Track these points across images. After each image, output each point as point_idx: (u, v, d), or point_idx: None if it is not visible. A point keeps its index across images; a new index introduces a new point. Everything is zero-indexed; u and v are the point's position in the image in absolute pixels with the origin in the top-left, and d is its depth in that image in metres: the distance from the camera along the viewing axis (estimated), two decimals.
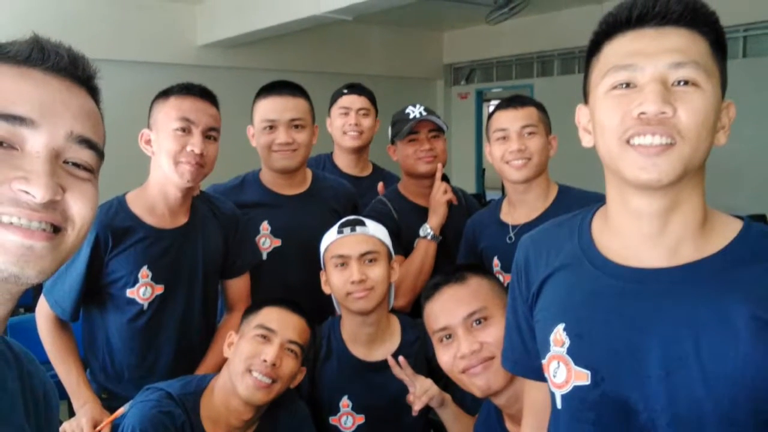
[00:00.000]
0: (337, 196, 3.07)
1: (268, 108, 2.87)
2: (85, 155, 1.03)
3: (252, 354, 2.17)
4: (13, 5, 6.95)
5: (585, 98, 1.44)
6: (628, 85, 1.28)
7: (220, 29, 8.16)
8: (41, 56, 1.01)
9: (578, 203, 1.74)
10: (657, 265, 1.33)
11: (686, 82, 1.23)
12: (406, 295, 2.82)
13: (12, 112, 0.95)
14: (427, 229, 2.89)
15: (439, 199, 2.94)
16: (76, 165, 1.02)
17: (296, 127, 2.86)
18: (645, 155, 1.23)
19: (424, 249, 2.88)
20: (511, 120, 2.58)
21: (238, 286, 2.76)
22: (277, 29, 7.59)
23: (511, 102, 2.64)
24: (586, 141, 1.44)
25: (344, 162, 3.60)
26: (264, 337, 2.21)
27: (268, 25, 7.41)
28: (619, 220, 1.39)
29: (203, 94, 2.46)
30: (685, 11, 1.26)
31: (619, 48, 1.31)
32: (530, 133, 2.56)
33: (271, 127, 2.85)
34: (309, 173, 3.07)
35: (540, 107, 2.65)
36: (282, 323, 2.24)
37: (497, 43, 10.52)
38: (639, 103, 1.24)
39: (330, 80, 5.19)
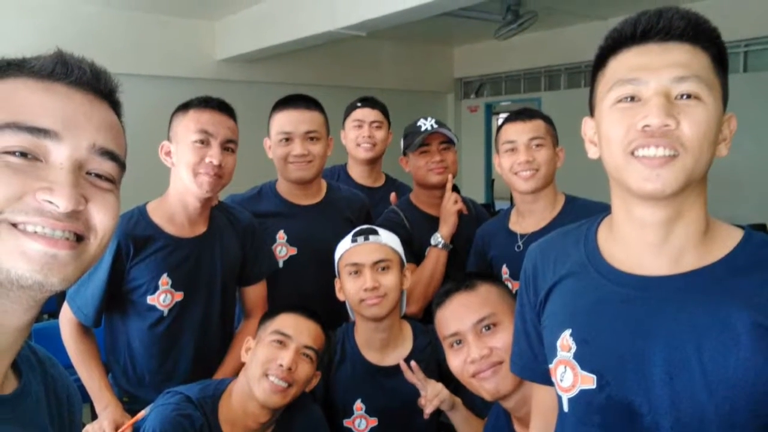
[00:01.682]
0: (350, 206, 3.07)
1: (284, 121, 2.87)
2: (107, 166, 1.03)
3: (269, 359, 2.17)
4: (37, 22, 6.99)
5: (591, 111, 1.44)
6: (632, 98, 1.28)
7: (238, 45, 8.18)
8: (65, 71, 1.01)
9: (584, 213, 1.74)
10: (660, 272, 1.33)
11: (689, 96, 1.24)
12: (417, 302, 2.81)
13: (37, 125, 0.96)
14: (438, 238, 2.88)
15: (449, 208, 2.93)
16: (98, 176, 1.02)
17: (311, 139, 2.86)
18: (649, 167, 1.24)
19: (435, 257, 2.87)
20: (519, 132, 2.59)
21: (256, 293, 2.76)
22: (293, 44, 7.60)
23: (519, 115, 2.64)
24: (592, 153, 1.44)
25: (358, 173, 3.61)
26: (280, 342, 2.21)
27: (285, 40, 7.43)
28: (623, 229, 1.39)
29: (221, 107, 2.47)
30: (687, 27, 1.27)
31: (623, 62, 1.31)
32: (538, 145, 2.57)
33: (287, 140, 2.85)
34: (324, 184, 3.07)
35: (547, 120, 2.65)
36: (298, 329, 2.24)
37: (506, 57, 10.51)
38: (643, 116, 1.24)
39: (344, 94, 5.19)
